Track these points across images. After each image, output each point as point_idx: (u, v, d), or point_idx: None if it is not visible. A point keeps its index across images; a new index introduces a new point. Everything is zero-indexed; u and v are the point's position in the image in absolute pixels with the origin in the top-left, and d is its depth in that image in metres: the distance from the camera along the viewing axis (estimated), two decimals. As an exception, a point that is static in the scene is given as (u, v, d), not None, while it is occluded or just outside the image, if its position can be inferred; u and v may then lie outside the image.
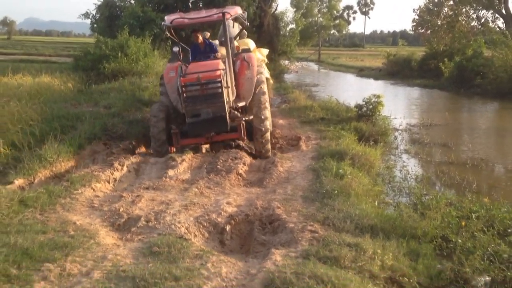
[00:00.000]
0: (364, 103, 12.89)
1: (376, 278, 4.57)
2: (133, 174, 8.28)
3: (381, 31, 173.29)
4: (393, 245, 5.21)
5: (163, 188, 7.16)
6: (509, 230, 5.91)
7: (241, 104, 9.94)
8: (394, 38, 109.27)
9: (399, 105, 20.12)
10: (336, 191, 6.67)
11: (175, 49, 10.17)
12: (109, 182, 7.48)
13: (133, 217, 5.90)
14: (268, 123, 9.41)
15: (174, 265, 4.46)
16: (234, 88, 9.82)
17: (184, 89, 8.98)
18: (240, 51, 10.63)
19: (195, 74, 8.97)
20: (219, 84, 8.89)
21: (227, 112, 9.08)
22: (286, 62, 39.90)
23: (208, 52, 10.38)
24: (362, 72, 41.26)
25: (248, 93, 9.90)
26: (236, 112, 9.69)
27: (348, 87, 28.33)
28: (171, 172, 7.91)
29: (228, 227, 5.78)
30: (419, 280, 4.79)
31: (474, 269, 5.01)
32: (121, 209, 6.10)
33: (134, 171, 8.40)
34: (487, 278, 4.99)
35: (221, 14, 9.68)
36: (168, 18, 9.95)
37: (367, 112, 12.72)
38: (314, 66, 54.23)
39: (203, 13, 10.68)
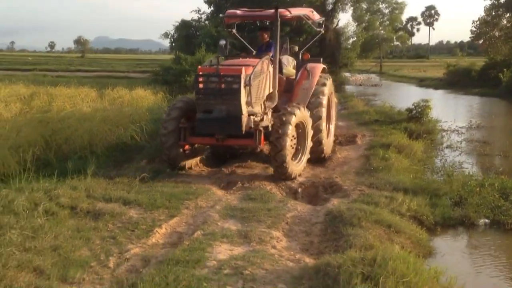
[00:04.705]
0: (414, 106, 14.80)
1: (403, 216, 6.70)
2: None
3: (448, 42, 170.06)
4: (419, 199, 7.31)
5: (249, 166, 9.46)
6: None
7: None
8: (461, 48, 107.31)
9: (453, 111, 21.60)
10: (381, 167, 8.84)
11: (222, 42, 9.20)
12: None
13: (232, 181, 8.29)
14: (290, 129, 8.00)
15: (266, 204, 6.83)
16: (276, 94, 8.96)
17: (199, 78, 8.29)
18: (308, 59, 10.10)
19: (219, 66, 8.19)
20: (238, 80, 7.98)
21: (243, 114, 8.05)
22: (347, 74, 41.90)
23: (266, 52, 9.43)
24: (423, 82, 42.17)
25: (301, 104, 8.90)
26: (255, 117, 8.50)
27: (406, 96, 29.80)
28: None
29: (299, 189, 8.05)
30: (435, 219, 6.88)
31: (478, 214, 7.03)
32: (223, 177, 8.55)
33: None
34: (487, 220, 6.99)
35: (274, 11, 8.68)
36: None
37: (416, 114, 14.58)
38: (375, 78, 55.55)
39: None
